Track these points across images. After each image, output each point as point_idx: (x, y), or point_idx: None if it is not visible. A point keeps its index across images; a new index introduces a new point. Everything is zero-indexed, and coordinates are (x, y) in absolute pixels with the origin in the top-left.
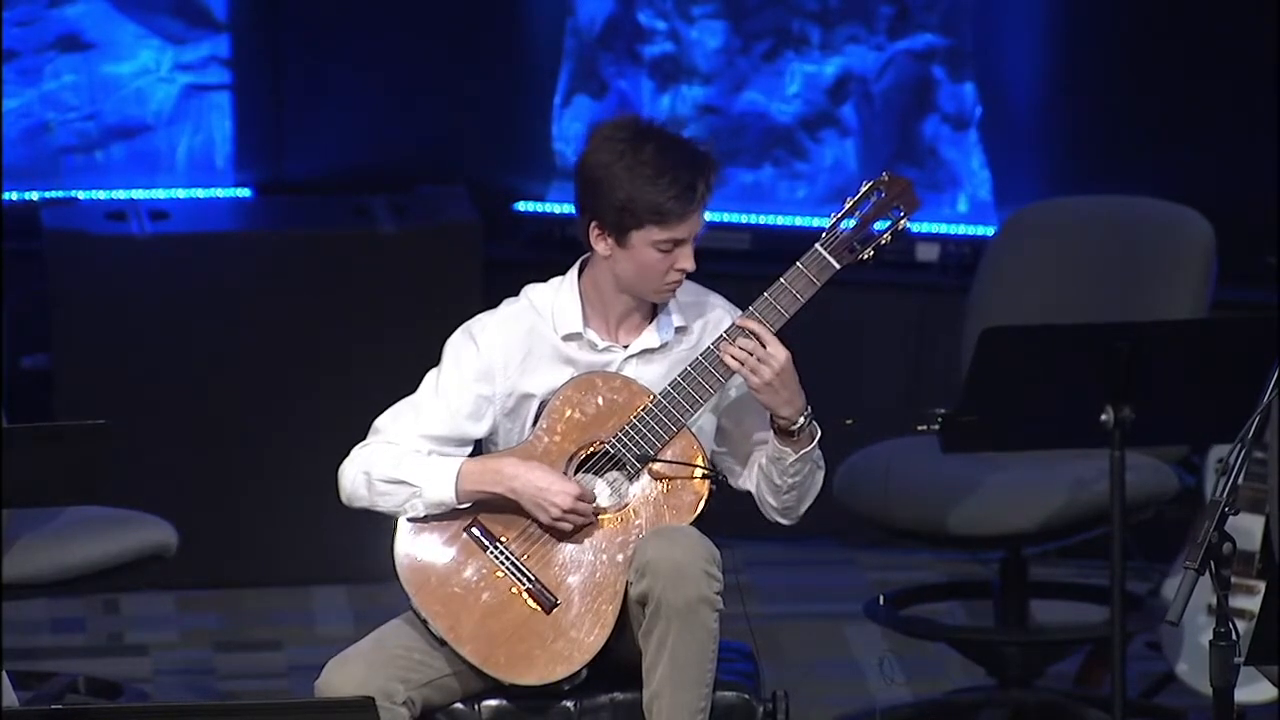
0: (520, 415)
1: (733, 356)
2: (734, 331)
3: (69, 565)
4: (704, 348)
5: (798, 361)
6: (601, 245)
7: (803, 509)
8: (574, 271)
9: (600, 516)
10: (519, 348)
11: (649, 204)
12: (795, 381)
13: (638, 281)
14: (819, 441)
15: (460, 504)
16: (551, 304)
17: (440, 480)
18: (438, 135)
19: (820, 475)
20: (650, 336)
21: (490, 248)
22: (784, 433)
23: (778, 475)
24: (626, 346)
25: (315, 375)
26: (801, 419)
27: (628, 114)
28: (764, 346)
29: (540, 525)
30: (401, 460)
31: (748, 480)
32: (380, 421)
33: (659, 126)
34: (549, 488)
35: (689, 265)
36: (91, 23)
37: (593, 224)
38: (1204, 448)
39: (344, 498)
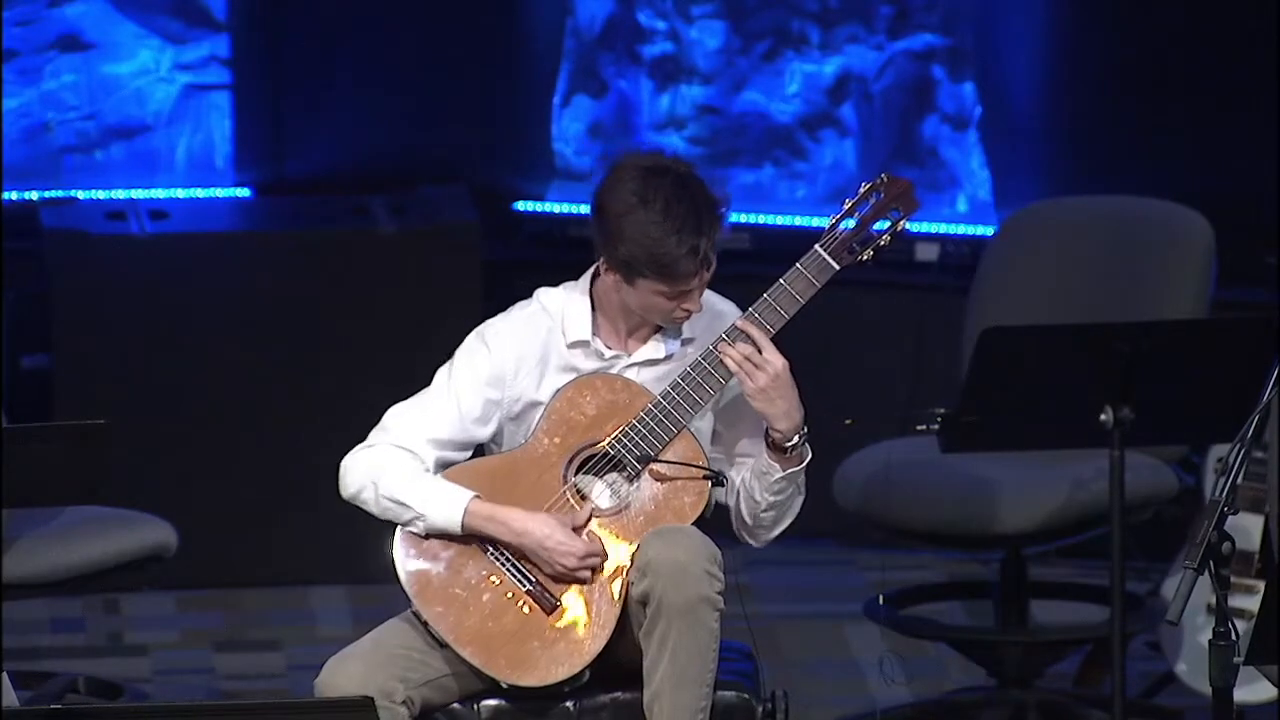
0: (525, 420)
1: (730, 358)
2: (733, 333)
3: (69, 565)
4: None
5: (798, 370)
6: (610, 278)
7: (775, 533)
8: (586, 278)
9: (600, 518)
10: (530, 353)
11: (652, 263)
12: (793, 393)
13: (644, 313)
14: (806, 467)
15: (463, 534)
16: (563, 309)
17: (446, 512)
18: (438, 135)
19: (799, 502)
20: (656, 347)
21: (490, 248)
22: (776, 448)
23: (760, 491)
24: (632, 354)
25: (315, 375)
26: (797, 437)
27: (648, 153)
28: (760, 352)
29: None
30: (411, 481)
31: (729, 492)
32: (387, 419)
33: (673, 173)
34: (555, 548)
35: (694, 308)
36: (91, 23)
37: (603, 258)
38: (1204, 448)
39: (345, 495)
